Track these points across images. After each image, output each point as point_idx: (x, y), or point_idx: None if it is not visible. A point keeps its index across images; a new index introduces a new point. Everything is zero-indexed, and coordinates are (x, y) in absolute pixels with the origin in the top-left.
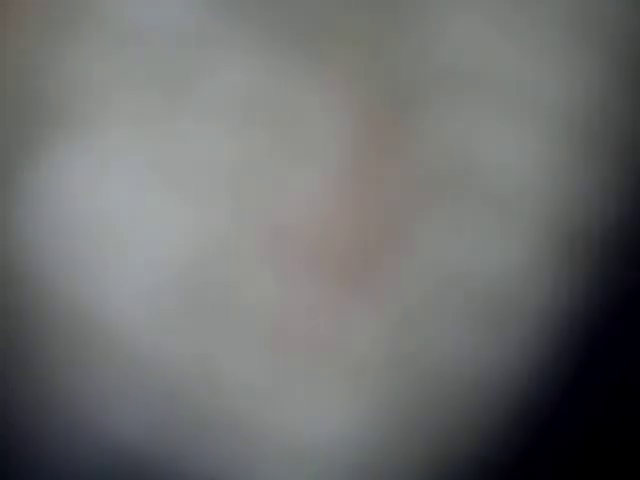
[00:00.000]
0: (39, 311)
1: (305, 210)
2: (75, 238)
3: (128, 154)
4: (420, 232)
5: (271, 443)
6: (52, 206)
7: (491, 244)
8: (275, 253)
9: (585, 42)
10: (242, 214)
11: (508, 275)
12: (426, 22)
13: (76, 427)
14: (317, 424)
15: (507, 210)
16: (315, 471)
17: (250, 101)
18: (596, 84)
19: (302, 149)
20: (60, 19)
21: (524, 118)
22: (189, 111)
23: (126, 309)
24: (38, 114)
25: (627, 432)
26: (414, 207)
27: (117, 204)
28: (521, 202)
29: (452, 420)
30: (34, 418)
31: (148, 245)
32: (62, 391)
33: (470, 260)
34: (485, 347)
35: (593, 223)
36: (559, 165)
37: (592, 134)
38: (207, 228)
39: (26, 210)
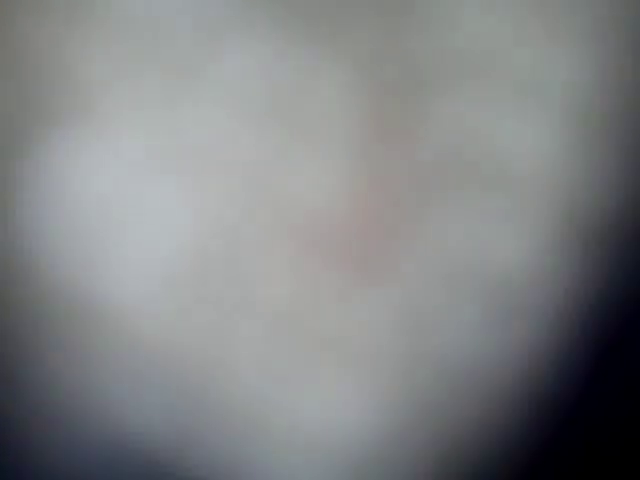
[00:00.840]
0: (40, 299)
1: (316, 196)
2: (78, 225)
3: (134, 141)
4: (433, 218)
5: (281, 433)
6: (54, 193)
7: (505, 230)
8: (285, 240)
9: (601, 27)
10: (251, 200)
11: (522, 262)
12: (440, 6)
13: (80, 416)
14: (328, 414)
15: (521, 196)
16: (326, 461)
17: (261, 86)
18: (612, 69)
19: (314, 134)
20: (64, 3)
21: (538, 103)
22: (198, 97)
23: (132, 297)
24: (39, 101)
25: None
26: (427, 193)
27: (122, 191)
28: (535, 188)
29: (464, 411)
30: (37, 407)
31: (155, 232)
32: (66, 379)
33: (484, 247)
34: (498, 334)
35: (608, 208)
36: (573, 150)
37: (607, 119)
38: (215, 215)
39: (27, 196)
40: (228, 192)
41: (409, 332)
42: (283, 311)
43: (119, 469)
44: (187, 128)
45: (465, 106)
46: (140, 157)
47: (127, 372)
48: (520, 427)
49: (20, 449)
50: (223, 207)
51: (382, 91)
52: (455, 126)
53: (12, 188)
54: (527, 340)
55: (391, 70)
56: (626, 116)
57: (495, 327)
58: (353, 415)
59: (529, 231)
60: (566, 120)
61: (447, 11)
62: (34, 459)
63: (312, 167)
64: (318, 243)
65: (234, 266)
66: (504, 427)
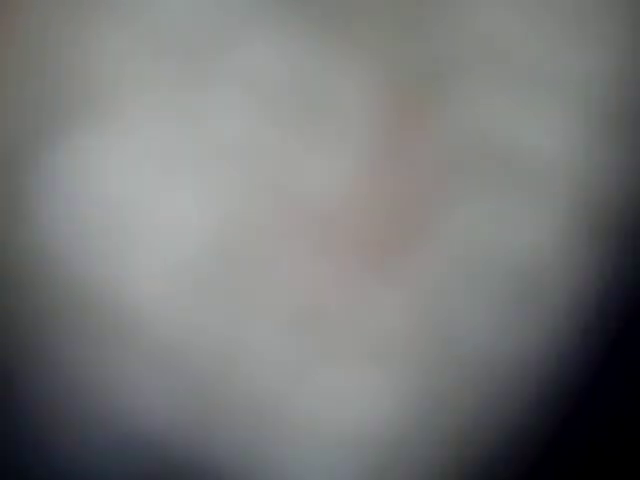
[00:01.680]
0: (57, 297)
1: (334, 190)
2: (94, 223)
3: (157, 136)
4: (450, 212)
5: (297, 425)
6: (70, 189)
7: (521, 224)
8: (302, 232)
9: (616, 20)
10: (270, 196)
11: (538, 255)
12: (456, 4)
13: (96, 411)
14: (344, 405)
15: (537, 190)
16: (343, 452)
17: (280, 83)
18: (628, 63)
19: (332, 130)
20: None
21: (555, 99)
22: (217, 95)
23: (147, 291)
24: (57, 97)
25: None
26: (444, 187)
27: (137, 186)
28: (551, 183)
29: (482, 400)
30: (52, 402)
31: (172, 230)
32: (81, 376)
33: (500, 241)
34: (515, 327)
35: (625, 203)
36: (590, 145)
37: (625, 112)
38: (234, 211)
39: (44, 195)
40: (246, 189)
41: (427, 326)
42: (302, 307)
43: (133, 463)
44: (206, 126)
45: (483, 97)
46: (158, 155)
47: (143, 369)
48: (539, 413)
49: (34, 443)
50: (241, 203)
51: (401, 83)
52: (473, 117)
53: (29, 187)
54: (545, 327)
55: (411, 61)
56: None
57: (512, 318)
58: (371, 410)
59: (544, 226)
60: (585, 111)
61: (465, 10)
62: (49, 453)
63: (332, 162)
64: (336, 237)
65: (252, 262)
66: (523, 415)
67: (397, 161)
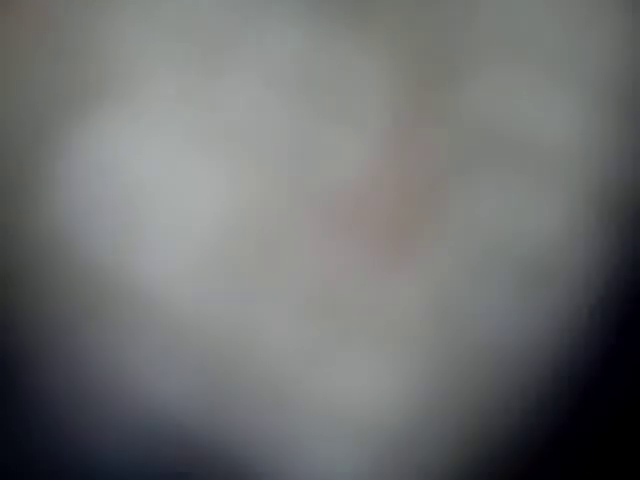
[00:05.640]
0: (73, 279)
1: (348, 175)
2: (111, 205)
3: (172, 121)
4: (463, 198)
5: (310, 411)
6: (85, 172)
7: (536, 207)
8: (316, 219)
9: (633, 3)
10: (284, 181)
11: (551, 241)
12: None
13: (111, 396)
14: (358, 389)
15: (553, 174)
16: (355, 440)
17: (295, 68)
18: None
19: (347, 114)
20: None
21: (570, 84)
22: (235, 78)
23: (161, 275)
24: (73, 80)
25: None
26: (457, 173)
27: (152, 169)
28: (567, 167)
29: (493, 388)
30: (67, 386)
31: (187, 212)
32: (95, 359)
33: (513, 226)
34: (528, 312)
35: (638, 184)
36: (605, 132)
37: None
38: (248, 195)
39: (61, 177)
40: (261, 172)
41: (440, 312)
42: (314, 290)
43: (148, 447)
44: (221, 109)
45: (498, 84)
46: (174, 138)
47: (158, 351)
48: (552, 401)
49: (50, 427)
50: (256, 187)
51: (415, 70)
52: (489, 102)
53: (45, 170)
54: (559, 313)
55: (427, 45)
56: None
57: (524, 304)
58: (384, 394)
59: (558, 212)
60: (600, 96)
61: None
62: (65, 436)
63: (346, 146)
64: (350, 222)
65: (266, 245)
66: (535, 401)
67: (413, 145)
